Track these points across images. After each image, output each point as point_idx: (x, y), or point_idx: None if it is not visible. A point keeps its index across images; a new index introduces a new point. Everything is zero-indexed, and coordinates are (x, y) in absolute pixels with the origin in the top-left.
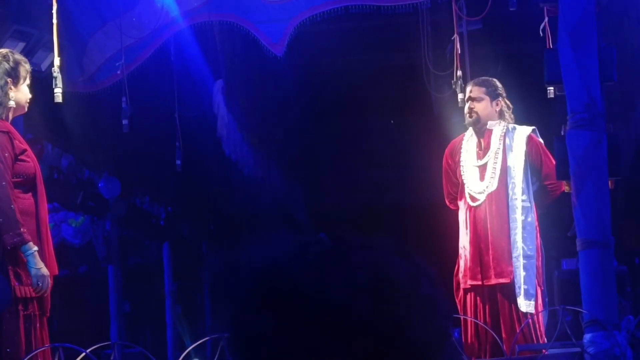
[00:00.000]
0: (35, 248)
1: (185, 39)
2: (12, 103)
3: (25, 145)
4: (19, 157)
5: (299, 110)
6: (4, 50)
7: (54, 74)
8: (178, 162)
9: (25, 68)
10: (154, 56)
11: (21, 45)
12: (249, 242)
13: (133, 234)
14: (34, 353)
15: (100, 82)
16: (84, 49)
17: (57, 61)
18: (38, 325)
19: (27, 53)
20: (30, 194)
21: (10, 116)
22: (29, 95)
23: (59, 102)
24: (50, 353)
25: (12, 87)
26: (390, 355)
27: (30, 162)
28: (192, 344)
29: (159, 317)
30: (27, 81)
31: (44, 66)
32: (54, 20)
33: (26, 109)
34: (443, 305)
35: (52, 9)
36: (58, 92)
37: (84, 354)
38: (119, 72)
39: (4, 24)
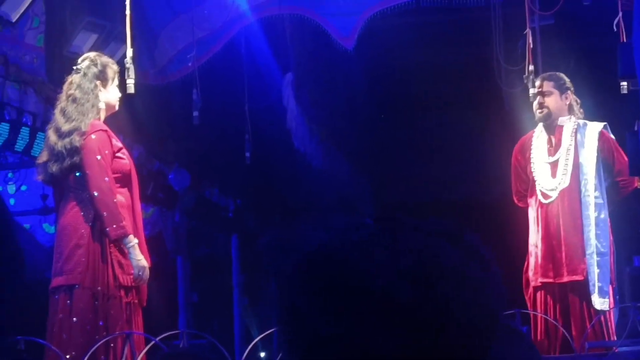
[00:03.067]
0: (136, 240)
1: (256, 32)
2: (102, 105)
3: (120, 144)
4: (116, 155)
5: (368, 104)
6: (92, 54)
7: (127, 65)
8: (247, 154)
9: (112, 69)
10: (225, 49)
11: (94, 37)
12: (300, 224)
13: (202, 225)
14: (105, 339)
15: (171, 74)
16: (156, 41)
17: (129, 52)
18: (137, 313)
19: (100, 45)
20: (126, 189)
21: (102, 116)
22: (119, 95)
23: (131, 93)
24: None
25: (102, 88)
26: (436, 340)
27: (126, 159)
28: (258, 336)
29: (226, 308)
30: (116, 81)
31: (116, 58)
32: (127, 12)
33: (117, 108)
34: (493, 286)
35: (125, 1)
36: (130, 83)
37: (153, 342)
38: (190, 64)
39: (77, 16)
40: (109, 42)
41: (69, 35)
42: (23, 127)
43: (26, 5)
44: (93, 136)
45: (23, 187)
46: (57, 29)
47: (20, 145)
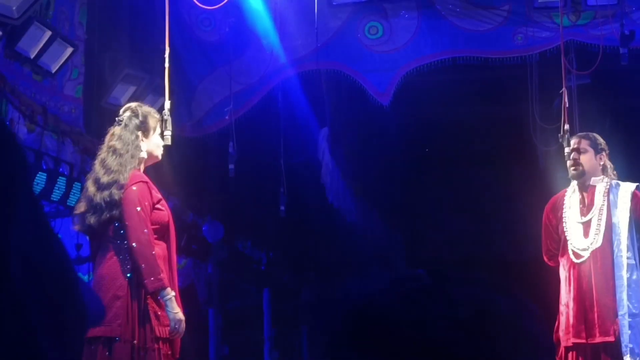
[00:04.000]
0: (173, 293)
1: (293, 86)
2: (143, 154)
3: (160, 195)
4: (155, 206)
5: (403, 160)
6: (133, 105)
7: (165, 117)
8: (282, 208)
9: (154, 118)
10: (262, 102)
11: (132, 89)
12: (346, 277)
13: (234, 278)
14: None
15: (207, 127)
16: (193, 93)
17: (167, 104)
18: None
19: (138, 97)
20: (163, 240)
21: (143, 166)
22: (162, 143)
23: (168, 145)
24: None
25: (144, 138)
26: None
27: (165, 211)
28: None
29: None
30: (158, 130)
31: None
32: (166, 65)
33: (160, 157)
34: (545, 339)
35: (163, 54)
36: (168, 134)
37: None
38: (227, 117)
39: (116, 68)
40: (146, 94)
41: (107, 87)
42: (60, 177)
43: (66, 56)
44: (134, 187)
45: None
46: (95, 81)
47: (56, 194)
